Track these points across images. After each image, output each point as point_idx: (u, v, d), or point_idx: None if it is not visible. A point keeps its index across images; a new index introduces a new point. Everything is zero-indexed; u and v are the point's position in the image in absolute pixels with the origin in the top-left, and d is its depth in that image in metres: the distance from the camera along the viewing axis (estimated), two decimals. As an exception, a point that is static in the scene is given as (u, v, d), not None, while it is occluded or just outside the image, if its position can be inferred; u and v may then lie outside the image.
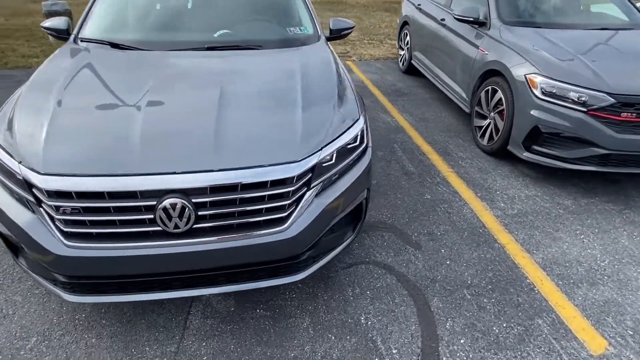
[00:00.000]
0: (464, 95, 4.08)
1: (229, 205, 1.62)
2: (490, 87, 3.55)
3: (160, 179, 1.55)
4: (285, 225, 1.69)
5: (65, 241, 1.57)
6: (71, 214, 1.56)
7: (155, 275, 1.67)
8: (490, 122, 3.59)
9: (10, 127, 1.77)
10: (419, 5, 5.45)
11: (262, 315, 2.01)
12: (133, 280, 1.69)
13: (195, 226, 1.60)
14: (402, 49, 6.16)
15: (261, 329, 1.94)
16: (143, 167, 1.57)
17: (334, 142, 1.83)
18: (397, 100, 4.96)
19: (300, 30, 2.77)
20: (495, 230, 2.68)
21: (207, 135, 1.69)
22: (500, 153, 3.48)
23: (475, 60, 3.81)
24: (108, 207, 1.55)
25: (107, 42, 2.44)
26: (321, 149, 1.77)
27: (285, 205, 1.69)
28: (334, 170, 1.83)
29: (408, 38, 5.84)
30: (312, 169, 1.73)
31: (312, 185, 1.75)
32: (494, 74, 3.53)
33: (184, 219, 1.56)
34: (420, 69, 5.34)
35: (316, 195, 1.77)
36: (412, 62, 5.67)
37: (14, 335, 1.86)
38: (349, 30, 2.98)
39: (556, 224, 2.76)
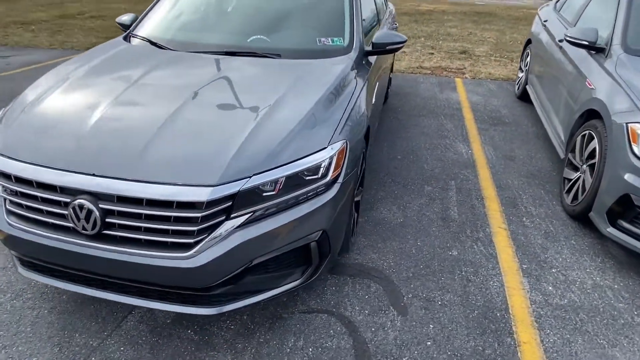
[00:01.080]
0: (561, 136, 3.24)
1: (134, 219, 1.53)
2: (587, 132, 2.72)
3: (76, 178, 1.54)
4: (191, 252, 1.53)
5: (7, 220, 1.70)
6: (10, 195, 1.68)
7: (74, 269, 1.69)
8: (580, 175, 2.76)
9: (6, 108, 2.00)
10: (545, 21, 4.55)
11: (189, 338, 1.88)
12: (62, 270, 1.74)
13: (105, 231, 1.56)
14: (522, 71, 5.26)
15: (180, 353, 1.82)
16: (71, 163, 1.58)
17: (273, 170, 1.58)
18: (488, 129, 4.24)
19: (333, 41, 2.51)
20: (520, 319, 2.02)
21: (140, 142, 1.62)
22: (584, 219, 2.65)
23: (579, 95, 2.98)
24: (35, 195, 1.62)
25: (147, 39, 2.59)
26: (250, 177, 1.54)
27: (194, 231, 1.52)
28: (271, 202, 1.59)
29: (528, 59, 4.95)
30: (231, 197, 1.52)
31: (232, 215, 1.55)
32: (594, 115, 2.69)
33: (90, 223, 1.53)
34: (531, 96, 4.46)
35: (240, 226, 1.56)
36: (527, 86, 4.78)
37: (-3, 288, 2.12)
38: (397, 46, 2.59)
39: (617, 335, 1.95)
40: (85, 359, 1.77)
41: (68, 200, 1.54)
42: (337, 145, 1.77)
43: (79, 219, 1.54)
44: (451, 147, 3.81)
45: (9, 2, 12.95)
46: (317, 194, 1.71)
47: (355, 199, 2.38)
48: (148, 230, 1.54)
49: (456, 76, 6.23)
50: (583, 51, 3.17)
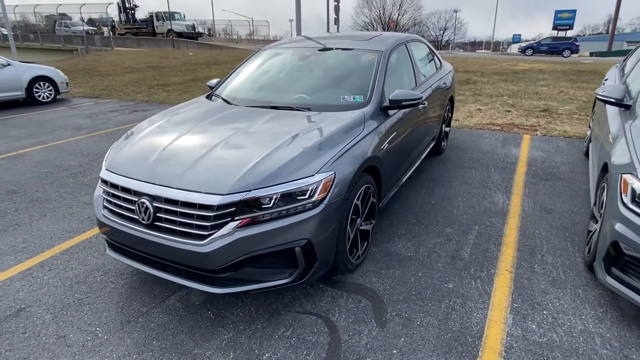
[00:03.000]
0: (592, 190, 3.22)
1: (173, 214, 2.20)
2: (603, 185, 2.75)
3: (141, 185, 2.29)
4: (204, 241, 2.13)
5: (103, 213, 2.52)
6: (106, 195, 2.50)
7: (136, 250, 2.40)
8: (597, 227, 2.75)
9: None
10: (606, 79, 4.50)
11: (208, 317, 2.43)
12: (130, 251, 2.47)
13: (155, 223, 2.26)
14: (590, 128, 5.12)
15: (198, 325, 2.37)
16: (141, 175, 2.34)
17: (269, 188, 2.13)
18: (536, 184, 4.24)
19: (354, 98, 3.07)
20: (490, 347, 2.15)
21: (186, 164, 2.33)
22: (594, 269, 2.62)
23: (603, 150, 3.00)
24: (119, 195, 2.40)
25: (220, 96, 3.47)
26: (250, 191, 2.11)
27: (208, 226, 2.13)
28: (267, 212, 2.14)
29: (593, 117, 4.85)
30: (235, 204, 2.10)
31: (236, 218, 2.12)
32: (607, 168, 2.72)
33: (147, 215, 2.24)
34: (590, 151, 4.36)
35: (240, 227, 2.12)
36: (590, 144, 4.66)
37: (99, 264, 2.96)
38: (412, 102, 3.04)
39: (586, 377, 1.96)
40: (135, 319, 2.44)
41: (135, 199, 2.29)
42: (324, 175, 2.27)
43: (139, 212, 2.26)
44: (488, 197, 3.94)
45: (157, 69, 16.30)
46: (304, 209, 2.21)
47: (362, 227, 2.80)
48: (181, 224, 2.19)
49: (526, 133, 6.21)
50: (616, 109, 3.21)
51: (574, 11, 37.83)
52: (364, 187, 2.68)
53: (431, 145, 4.69)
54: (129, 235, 2.35)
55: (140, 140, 2.71)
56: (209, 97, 3.59)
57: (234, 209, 2.12)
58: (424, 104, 3.86)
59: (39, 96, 9.77)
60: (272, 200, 2.15)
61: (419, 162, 4.18)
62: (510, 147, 5.53)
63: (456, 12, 57.72)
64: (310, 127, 2.64)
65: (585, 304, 2.47)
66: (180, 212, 2.18)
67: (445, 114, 5.07)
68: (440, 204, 3.83)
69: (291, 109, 3.02)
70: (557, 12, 38.34)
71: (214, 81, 3.94)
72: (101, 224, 2.53)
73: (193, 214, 2.15)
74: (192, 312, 2.49)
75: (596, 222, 2.84)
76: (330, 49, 3.66)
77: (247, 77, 3.69)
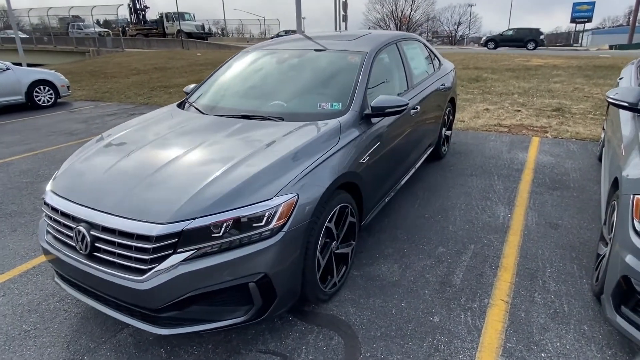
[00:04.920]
0: (603, 208, 2.85)
1: (111, 244, 1.94)
2: (614, 202, 2.40)
3: (79, 209, 2.03)
4: (143, 277, 1.86)
5: (46, 239, 2.28)
6: (49, 219, 2.26)
7: (81, 282, 2.15)
8: (606, 251, 2.40)
9: None
10: (621, 78, 4.10)
11: (159, 355, 2.15)
12: (72, 281, 2.23)
13: (94, 253, 2.00)
14: (604, 130, 4.71)
15: (147, 367, 2.12)
16: (82, 199, 2.09)
17: (216, 215, 1.86)
18: (543, 194, 3.87)
19: (332, 105, 2.76)
20: (475, 401, 1.84)
21: (129, 186, 2.06)
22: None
23: (614, 161, 2.64)
24: (60, 221, 2.16)
25: (192, 104, 3.20)
26: (194, 219, 1.84)
27: (147, 259, 1.86)
28: (216, 242, 1.86)
29: (608, 117, 4.44)
30: (177, 234, 1.83)
31: (178, 250, 1.85)
32: (617, 184, 2.37)
33: (84, 245, 1.99)
34: (603, 156, 3.97)
35: (185, 260, 1.85)
36: (604, 148, 4.27)
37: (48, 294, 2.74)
38: (397, 109, 2.72)
39: None
40: (80, 357, 2.19)
41: (74, 225, 2.04)
42: (285, 197, 1.98)
43: (77, 241, 2.01)
44: (489, 210, 3.60)
45: (163, 70, 16.21)
46: (261, 238, 1.93)
47: (338, 251, 2.50)
48: (120, 256, 1.93)
49: (535, 135, 5.81)
50: (630, 114, 2.84)
51: (593, 3, 36.57)
52: (338, 206, 2.38)
53: (429, 151, 4.35)
54: (69, 266, 2.10)
55: (88, 158, 2.46)
56: (181, 104, 3.33)
57: (176, 240, 1.85)
58: (416, 108, 3.53)
59: (39, 100, 9.70)
60: (222, 229, 1.87)
61: (413, 171, 3.86)
62: (517, 151, 5.14)
63: (471, 6, 56.67)
64: (277, 140, 2.35)
65: (591, 344, 2.13)
66: (119, 243, 1.92)
67: (446, 117, 4.72)
68: (434, 218, 3.50)
69: (263, 118, 2.74)
70: (575, 4, 37.11)
71: (190, 86, 3.68)
72: (45, 251, 2.29)
73: (131, 246, 1.89)
74: (143, 350, 2.23)
75: (606, 244, 2.49)
76: (313, 50, 3.36)
77: (223, 83, 3.42)
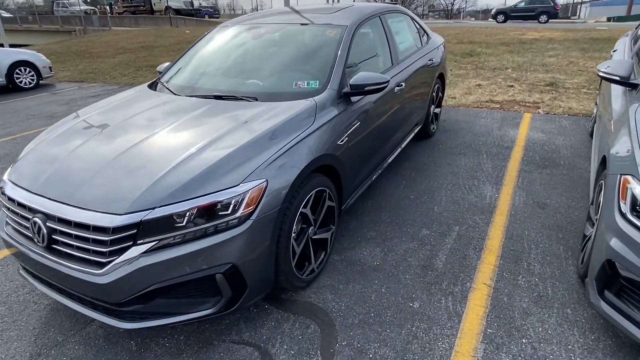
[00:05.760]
0: (592, 186, 2.76)
1: (68, 236, 1.83)
2: (601, 182, 2.30)
3: (35, 199, 1.91)
4: (102, 270, 1.76)
5: (5, 230, 2.16)
6: (7, 209, 2.13)
7: (41, 275, 2.05)
8: (593, 233, 2.32)
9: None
10: (614, 51, 3.95)
11: (129, 348, 2.08)
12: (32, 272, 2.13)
13: (53, 245, 1.90)
14: (596, 106, 4.58)
15: (113, 359, 2.05)
16: (39, 188, 1.97)
17: (179, 204, 1.75)
18: (532, 172, 3.78)
19: (308, 84, 2.62)
20: (452, 390, 1.78)
21: (87, 174, 1.93)
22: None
23: (604, 139, 2.53)
24: (17, 212, 2.04)
25: (164, 84, 3.04)
26: (153, 209, 1.73)
27: (106, 252, 1.76)
28: (179, 232, 1.76)
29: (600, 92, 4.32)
30: (135, 225, 1.72)
31: (138, 242, 1.74)
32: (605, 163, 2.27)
33: (41, 237, 1.88)
34: (594, 132, 3.86)
35: (146, 252, 1.75)
36: (596, 124, 4.15)
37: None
38: (377, 87, 2.58)
39: None
40: (47, 351, 2.12)
41: (30, 216, 1.93)
42: (252, 184, 1.86)
43: (34, 233, 1.90)
44: (476, 189, 3.50)
45: (150, 49, 15.77)
46: (227, 227, 1.82)
47: (317, 237, 2.41)
48: (78, 248, 1.83)
49: (527, 111, 5.68)
50: (621, 89, 2.71)
51: (591, -27, 35.68)
52: (314, 191, 2.27)
53: (416, 130, 4.22)
54: (30, 258, 2.00)
55: (48, 143, 2.32)
56: (152, 84, 3.16)
57: (135, 231, 1.74)
58: (401, 85, 3.38)
59: (21, 82, 9.39)
60: (186, 219, 1.76)
61: (399, 150, 3.74)
62: (507, 128, 5.02)
63: (466, -22, 55.02)
64: (247, 123, 2.22)
65: (574, 328, 2.07)
66: (76, 235, 1.81)
67: (434, 94, 4.57)
68: (420, 199, 3.41)
69: (236, 98, 2.60)
70: (573, -26, 36.19)
71: (164, 65, 3.51)
72: (6, 244, 2.18)
73: (88, 238, 1.78)
74: (113, 342, 2.15)
75: (593, 225, 2.41)
76: (289, 25, 3.18)
77: (196, 61, 3.24)
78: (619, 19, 28.63)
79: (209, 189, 1.81)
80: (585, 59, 9.14)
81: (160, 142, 2.11)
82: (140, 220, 1.72)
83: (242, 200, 1.83)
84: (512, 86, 7.07)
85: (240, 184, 1.85)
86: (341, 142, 2.50)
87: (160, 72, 3.42)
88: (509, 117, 5.45)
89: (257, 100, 2.55)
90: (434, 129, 4.79)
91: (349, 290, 2.42)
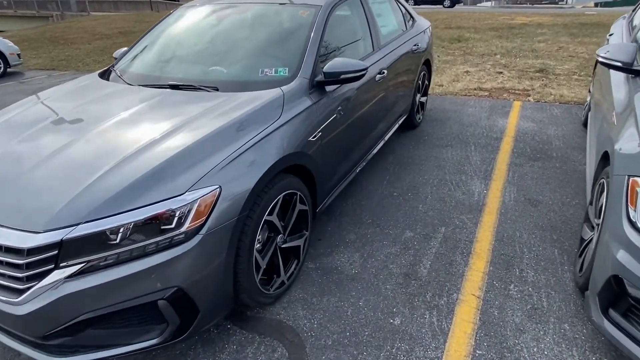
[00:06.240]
0: (588, 182, 2.54)
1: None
2: (602, 180, 2.07)
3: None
4: (19, 299, 1.47)
5: None
6: None
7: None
8: (593, 237, 2.10)
9: None
10: (610, 35, 3.71)
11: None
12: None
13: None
14: (590, 93, 4.36)
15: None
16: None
17: (109, 219, 1.45)
18: (523, 165, 3.55)
19: (276, 72, 2.31)
20: None
21: (8, 181, 1.63)
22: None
23: (604, 131, 2.29)
24: None
25: (117, 72, 2.70)
26: (77, 225, 1.43)
27: (23, 277, 1.46)
28: (111, 252, 1.47)
29: (594, 79, 4.09)
30: (57, 245, 1.43)
31: (61, 264, 1.45)
32: (608, 159, 2.03)
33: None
34: (588, 122, 3.64)
35: (71, 276, 1.46)
36: (590, 113, 3.93)
37: None
38: (354, 74, 2.29)
39: None
40: (-28, 386, 1.83)
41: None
42: (200, 192, 1.58)
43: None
44: (463, 186, 3.26)
45: (128, 35, 15.13)
46: (171, 245, 1.54)
47: (287, 245, 2.14)
48: (-7, 272, 1.53)
49: (517, 99, 5.44)
50: (623, 76, 2.47)
51: (579, -43, 35.41)
52: (282, 195, 1.99)
53: (400, 121, 3.95)
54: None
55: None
56: (104, 72, 2.82)
57: (56, 252, 1.44)
58: (383, 73, 3.09)
59: (-15, 70, 8.87)
60: (119, 236, 1.48)
61: (382, 143, 3.47)
62: (496, 117, 4.78)
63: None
64: (202, 116, 1.91)
65: (573, 348, 1.85)
66: (-10, 257, 1.51)
67: (420, 82, 4.29)
68: (404, 197, 3.15)
69: (194, 88, 2.28)
70: (561, -42, 35.87)
71: (121, 50, 3.16)
72: None
73: (1, 261, 1.49)
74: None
75: (592, 228, 2.18)
76: (258, 4, 2.84)
77: (155, 46, 2.89)
78: (607, 4, 28.58)
79: (148, 199, 1.52)
80: (575, 44, 8.92)
81: (94, 143, 1.79)
82: (62, 240, 1.42)
83: (189, 211, 1.55)
84: (501, 73, 6.82)
85: (187, 192, 1.56)
86: (314, 137, 2.21)
87: (116, 58, 3.07)
88: (498, 106, 5.20)
89: (217, 90, 2.24)
90: (419, 119, 4.52)
91: (324, 304, 2.16)
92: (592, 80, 4.46)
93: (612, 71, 2.68)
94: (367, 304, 2.15)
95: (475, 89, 5.96)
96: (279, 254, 2.10)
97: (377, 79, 3.02)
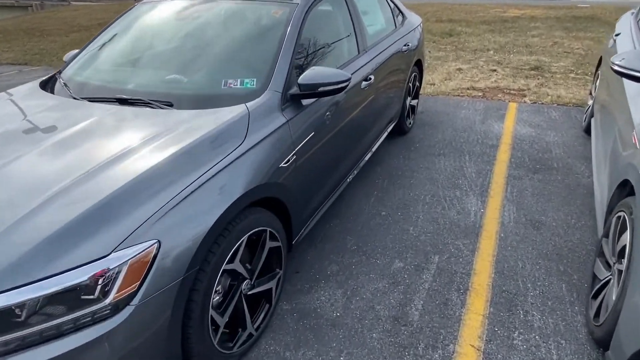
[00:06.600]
0: (599, 207, 2.25)
1: None
2: (622, 214, 1.78)
3: None
4: None
5: None
6: None
7: None
8: (610, 278, 1.81)
9: None
10: (617, 35, 3.41)
11: None
12: None
13: None
14: (592, 97, 4.08)
15: None
16: None
17: (7, 293, 1.11)
18: (522, 178, 3.26)
19: (242, 83, 1.97)
20: None
21: None
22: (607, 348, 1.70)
23: (622, 153, 2.00)
24: None
25: (62, 81, 2.33)
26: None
27: None
28: (14, 335, 1.13)
29: (597, 82, 3.80)
30: None
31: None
32: (631, 190, 1.74)
33: None
34: (592, 133, 3.36)
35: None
36: (592, 119, 3.65)
37: None
38: (334, 87, 1.96)
39: None
40: None
41: None
42: (131, 251, 1.24)
43: None
44: (458, 203, 2.96)
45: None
46: (94, 321, 1.21)
47: (255, 290, 1.82)
48: None
49: (512, 100, 5.14)
50: (637, 86, 2.17)
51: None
52: (247, 236, 1.67)
53: (390, 128, 3.63)
54: None
55: None
56: (47, 82, 2.43)
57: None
58: (369, 79, 2.76)
59: (-50, 66, 8.32)
60: (25, 312, 1.14)
61: (369, 155, 3.15)
62: (492, 121, 4.48)
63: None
64: (145, 145, 1.56)
65: (591, 419, 1.58)
66: None
67: (411, 84, 3.96)
68: (393, 217, 2.84)
69: (145, 103, 1.93)
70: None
71: (72, 53, 2.77)
72: None
73: None
74: None
75: (608, 267, 1.89)
76: (226, 2, 2.47)
77: (108, 48, 2.51)
78: (597, -4, 28.31)
79: (62, 263, 1.17)
80: (569, 39, 8.65)
81: (2, 184, 1.44)
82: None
83: (116, 277, 1.21)
84: (494, 70, 6.52)
85: (113, 253, 1.22)
86: (286, 162, 1.88)
87: (66, 62, 2.69)
88: (493, 108, 4.90)
89: (172, 106, 1.89)
90: (410, 123, 4.20)
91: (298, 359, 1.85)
92: (593, 82, 4.18)
93: (626, 81, 2.38)
94: (349, 358, 1.84)
95: (468, 89, 5.65)
96: (244, 303, 1.77)
97: (362, 87, 2.68)
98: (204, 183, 1.48)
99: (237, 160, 1.63)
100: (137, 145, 1.56)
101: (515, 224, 2.71)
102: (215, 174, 1.53)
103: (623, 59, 2.13)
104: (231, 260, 1.60)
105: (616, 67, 2.12)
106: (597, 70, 4.07)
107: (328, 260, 2.45)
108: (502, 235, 2.61)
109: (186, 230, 1.37)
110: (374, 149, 3.22)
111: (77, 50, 2.79)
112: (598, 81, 3.77)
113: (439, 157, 3.67)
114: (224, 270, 1.57)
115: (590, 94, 4.18)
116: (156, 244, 1.29)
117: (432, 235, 2.63)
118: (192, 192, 1.43)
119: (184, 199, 1.40)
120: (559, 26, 10.34)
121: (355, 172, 2.90)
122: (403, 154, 3.76)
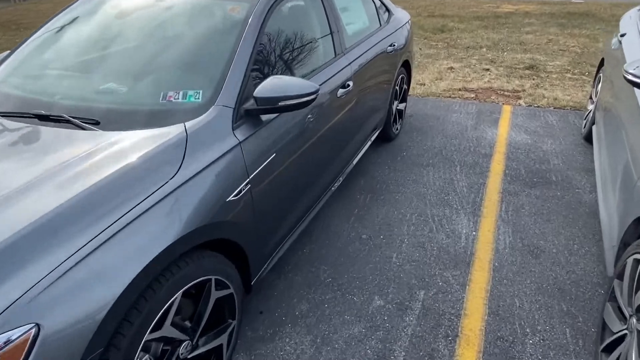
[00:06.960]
0: (608, 239, 1.95)
1: None
2: (637, 256, 1.47)
3: None
4: None
5: None
6: None
7: None
8: (625, 333, 1.51)
9: None
10: (622, 35, 3.10)
11: None
12: None
13: None
14: (592, 102, 3.79)
15: None
16: None
17: None
18: (518, 194, 2.95)
19: (185, 96, 1.62)
20: None
21: None
22: None
23: (634, 184, 1.69)
24: None
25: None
26: None
27: None
28: None
29: (599, 86, 3.50)
30: None
31: None
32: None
33: None
34: (594, 142, 3.06)
35: None
36: (594, 126, 3.35)
37: None
38: (297, 100, 1.62)
39: None
40: None
41: None
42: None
43: None
44: (447, 224, 2.65)
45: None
46: None
47: (197, 352, 1.49)
48: None
49: (507, 102, 4.84)
50: (658, 98, 1.87)
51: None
52: (180, 292, 1.33)
53: (374, 137, 3.31)
54: None
55: None
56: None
57: None
58: (347, 86, 2.42)
59: None
60: None
61: (350, 168, 2.83)
62: (484, 126, 4.17)
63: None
64: (47, 181, 1.22)
65: None
66: None
67: (398, 87, 3.64)
68: (374, 241, 2.52)
69: (65, 121, 1.58)
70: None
71: (2, 55, 2.40)
72: None
73: None
74: None
75: (623, 319, 1.59)
76: (177, -3, 2.12)
77: (39, 50, 2.15)
78: (590, -9, 28.14)
79: None
80: (564, 36, 8.37)
81: None
82: None
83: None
84: (487, 70, 6.21)
85: (30, 331, 0.89)
86: (236, 195, 1.54)
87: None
88: (486, 111, 4.60)
89: (98, 124, 1.54)
90: (397, 129, 3.88)
91: None
92: (593, 86, 3.88)
93: (637, 89, 2.07)
94: None
95: (460, 90, 5.34)
96: (185, 368, 1.45)
97: (339, 94, 2.35)
98: (117, 233, 1.14)
99: (166, 199, 1.29)
100: (38, 179, 1.21)
101: (511, 250, 2.41)
102: (134, 219, 1.19)
103: (638, 67, 1.83)
104: (158, 327, 1.27)
105: (630, 77, 1.82)
106: (597, 72, 3.77)
107: (297, 297, 2.13)
108: (496, 264, 2.31)
109: (83, 302, 1.03)
110: (355, 162, 2.89)
111: (7, 52, 2.41)
112: (600, 85, 3.47)
113: (427, 168, 3.35)
114: (149, 341, 1.24)
115: (590, 98, 3.89)
116: (33, 329, 0.95)
117: (418, 265, 2.32)
118: (96, 247, 1.09)
119: (83, 258, 1.06)
120: (553, 22, 10.06)
121: (333, 189, 2.58)
122: (389, 164, 3.44)
